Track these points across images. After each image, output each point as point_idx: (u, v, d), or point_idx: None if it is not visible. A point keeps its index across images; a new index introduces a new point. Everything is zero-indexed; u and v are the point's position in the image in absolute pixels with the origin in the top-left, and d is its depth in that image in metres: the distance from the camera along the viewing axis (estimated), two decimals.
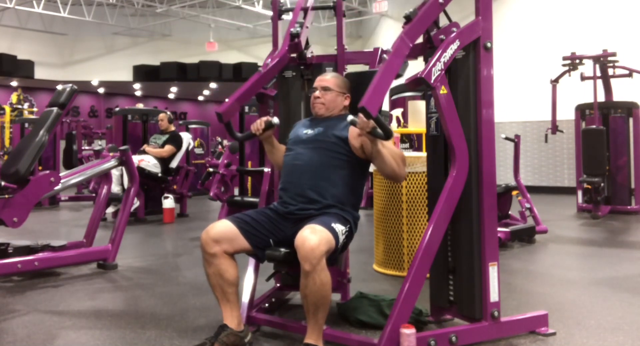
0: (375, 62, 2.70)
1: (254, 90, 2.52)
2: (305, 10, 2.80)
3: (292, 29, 2.62)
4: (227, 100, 2.37)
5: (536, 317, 2.38)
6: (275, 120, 2.38)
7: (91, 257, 3.75)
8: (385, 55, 2.05)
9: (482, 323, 2.22)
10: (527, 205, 4.94)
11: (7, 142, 11.76)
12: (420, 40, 2.49)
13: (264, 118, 2.38)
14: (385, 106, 5.37)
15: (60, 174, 3.52)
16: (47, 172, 3.42)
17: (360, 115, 1.93)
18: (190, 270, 3.74)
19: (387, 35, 13.50)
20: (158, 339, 2.35)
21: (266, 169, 2.79)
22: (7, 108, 12.36)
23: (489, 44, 2.24)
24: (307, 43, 2.74)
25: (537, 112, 9.48)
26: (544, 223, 4.95)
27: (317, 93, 2.41)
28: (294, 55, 2.67)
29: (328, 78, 2.44)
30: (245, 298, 2.44)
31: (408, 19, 2.18)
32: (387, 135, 1.99)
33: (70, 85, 3.64)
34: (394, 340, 1.97)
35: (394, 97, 6.94)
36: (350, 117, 2.03)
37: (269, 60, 2.77)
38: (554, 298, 2.93)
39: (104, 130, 14.10)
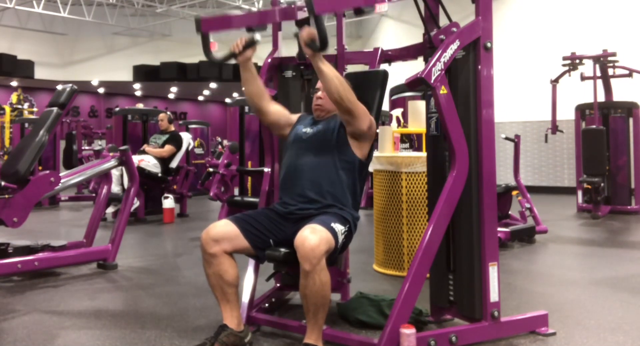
0: (375, 62, 2.70)
1: (242, 21, 2.34)
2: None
3: None
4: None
5: (536, 317, 2.38)
6: (257, 36, 2.22)
7: (91, 257, 3.75)
8: None
9: (482, 323, 2.22)
10: (527, 205, 4.94)
11: (7, 142, 11.75)
12: (420, 40, 2.49)
13: (245, 37, 2.21)
14: (385, 106, 5.36)
15: (60, 174, 3.52)
16: (47, 172, 3.42)
17: (305, 27, 1.93)
18: (190, 270, 3.74)
19: (387, 35, 13.49)
20: (158, 339, 2.35)
21: (266, 169, 2.79)
22: (7, 108, 12.36)
23: (489, 44, 2.24)
24: None
25: (537, 112, 9.48)
26: (544, 223, 4.95)
27: (319, 93, 2.41)
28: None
29: None
30: (245, 298, 2.44)
31: None
32: (323, 44, 1.97)
33: (70, 85, 3.63)
34: (394, 340, 1.97)
35: (394, 97, 6.94)
36: (294, 29, 2.03)
37: (269, 59, 2.77)
38: (554, 298, 2.93)
39: (104, 130, 14.09)
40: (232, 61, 2.33)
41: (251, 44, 2.21)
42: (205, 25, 2.19)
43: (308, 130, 2.38)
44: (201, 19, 2.17)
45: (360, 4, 2.10)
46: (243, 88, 2.38)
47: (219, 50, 2.30)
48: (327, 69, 2.11)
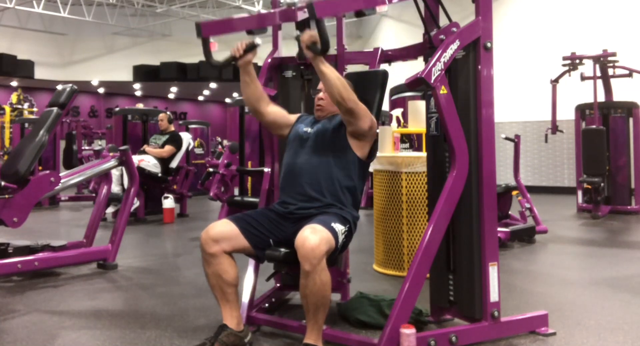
0: (376, 62, 2.69)
1: (242, 24, 2.33)
2: None
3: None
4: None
5: (536, 317, 2.38)
6: (258, 40, 2.23)
7: (91, 257, 3.75)
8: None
9: (482, 323, 2.22)
10: (527, 205, 4.94)
11: (7, 142, 11.75)
12: (420, 40, 2.49)
13: (245, 40, 2.22)
14: (386, 106, 5.37)
15: (60, 174, 3.52)
16: (47, 172, 3.42)
17: (307, 30, 1.93)
18: (190, 270, 3.74)
19: (387, 35, 13.49)
20: (158, 339, 2.35)
21: (266, 169, 2.79)
22: (7, 108, 12.36)
23: (489, 44, 2.24)
24: None
25: (537, 112, 9.48)
26: (544, 223, 4.95)
27: (321, 94, 2.41)
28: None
29: None
30: (245, 298, 2.44)
31: None
32: (324, 47, 1.97)
33: (70, 85, 3.63)
34: (394, 340, 1.97)
35: (394, 97, 6.94)
36: (295, 32, 2.03)
37: (269, 59, 2.77)
38: (554, 298, 2.93)
39: (104, 130, 14.09)
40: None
41: (252, 48, 2.22)
42: (206, 30, 2.19)
43: (309, 129, 2.38)
44: (201, 24, 2.17)
45: (360, 6, 2.10)
46: (241, 91, 2.38)
47: (219, 51, 2.30)
48: (328, 70, 2.11)
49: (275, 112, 2.47)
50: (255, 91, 2.38)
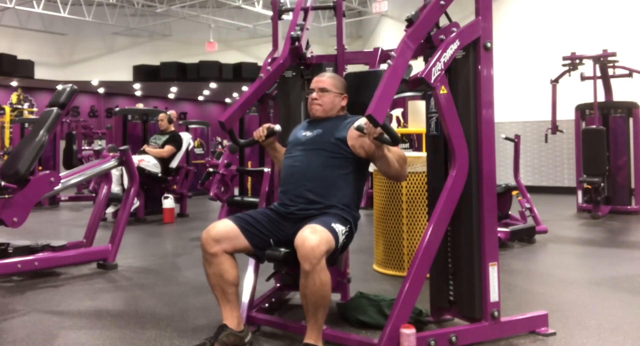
0: (376, 62, 2.70)
1: (256, 97, 2.53)
2: (306, 10, 2.80)
3: (292, 33, 2.61)
4: (229, 105, 2.37)
5: (536, 317, 2.38)
6: (277, 127, 2.40)
7: (91, 257, 3.75)
8: (389, 61, 2.05)
9: (482, 323, 2.22)
10: (527, 205, 4.94)
11: (7, 142, 11.76)
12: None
13: (266, 126, 2.40)
14: None
15: (60, 174, 3.52)
16: (47, 172, 3.42)
17: (367, 122, 1.93)
18: (190, 270, 3.74)
19: (387, 35, 13.50)
20: (158, 339, 2.35)
21: (266, 169, 2.79)
22: (7, 108, 12.36)
23: (489, 44, 2.24)
24: (307, 43, 2.74)
25: (537, 112, 9.48)
26: (544, 223, 4.95)
27: (314, 94, 2.40)
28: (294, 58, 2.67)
29: (325, 79, 2.43)
30: (245, 298, 2.44)
31: (410, 22, 2.18)
32: (395, 141, 1.99)
33: (70, 85, 3.63)
34: (394, 340, 1.97)
35: (394, 97, 6.93)
36: (356, 124, 2.03)
37: (269, 59, 2.77)
38: (554, 298, 2.93)
39: (104, 130, 14.09)
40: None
41: (272, 134, 2.40)
42: (229, 124, 2.34)
43: (307, 133, 2.39)
44: (224, 121, 2.32)
45: (399, 80, 2.06)
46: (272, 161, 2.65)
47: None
48: (391, 155, 2.14)
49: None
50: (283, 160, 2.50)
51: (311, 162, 2.29)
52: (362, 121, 2.02)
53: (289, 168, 2.36)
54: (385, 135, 1.98)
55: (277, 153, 2.52)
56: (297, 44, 2.59)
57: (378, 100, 1.91)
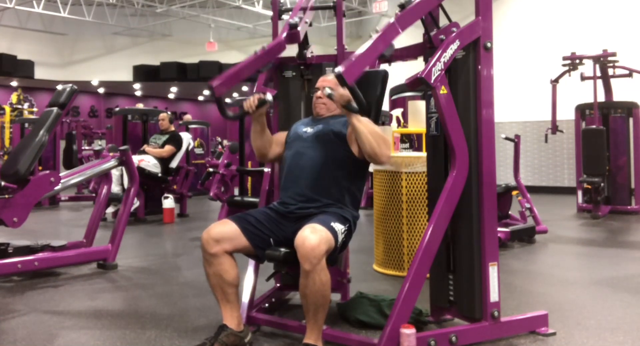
0: (375, 62, 2.69)
1: (249, 70, 2.41)
2: (305, 9, 2.80)
3: (290, 20, 2.59)
4: (223, 72, 2.31)
5: (536, 317, 2.38)
6: (269, 96, 2.30)
7: (91, 257, 3.75)
8: (372, 33, 2.04)
9: (482, 323, 2.22)
10: (527, 205, 4.94)
11: (7, 142, 11.75)
12: (420, 40, 2.49)
13: (257, 95, 2.30)
14: (385, 106, 5.37)
15: (60, 174, 3.52)
16: (47, 172, 3.42)
17: (339, 90, 1.93)
18: (190, 270, 3.74)
19: None
20: (158, 339, 2.35)
21: (266, 169, 2.79)
22: (7, 108, 12.35)
23: (489, 44, 2.24)
24: (307, 43, 2.73)
25: (537, 112, 9.48)
26: (544, 223, 4.95)
27: (319, 93, 2.42)
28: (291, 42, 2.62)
29: (330, 79, 2.43)
30: (245, 298, 2.44)
31: (402, 7, 2.17)
32: (361, 106, 1.96)
33: (70, 85, 3.63)
34: (394, 340, 1.97)
35: (394, 97, 6.94)
36: (327, 90, 2.03)
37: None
38: (554, 298, 2.93)
39: (104, 130, 14.08)
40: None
41: (263, 103, 2.29)
42: (218, 90, 2.25)
43: (308, 129, 2.39)
44: (214, 86, 2.23)
45: (380, 51, 2.05)
46: (251, 140, 2.44)
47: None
48: (362, 126, 2.11)
49: (276, 145, 2.49)
50: (264, 140, 2.42)
51: (311, 159, 2.29)
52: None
53: (289, 164, 2.36)
54: (353, 104, 1.95)
55: (262, 132, 2.40)
56: (294, 30, 2.54)
57: (352, 63, 1.88)
